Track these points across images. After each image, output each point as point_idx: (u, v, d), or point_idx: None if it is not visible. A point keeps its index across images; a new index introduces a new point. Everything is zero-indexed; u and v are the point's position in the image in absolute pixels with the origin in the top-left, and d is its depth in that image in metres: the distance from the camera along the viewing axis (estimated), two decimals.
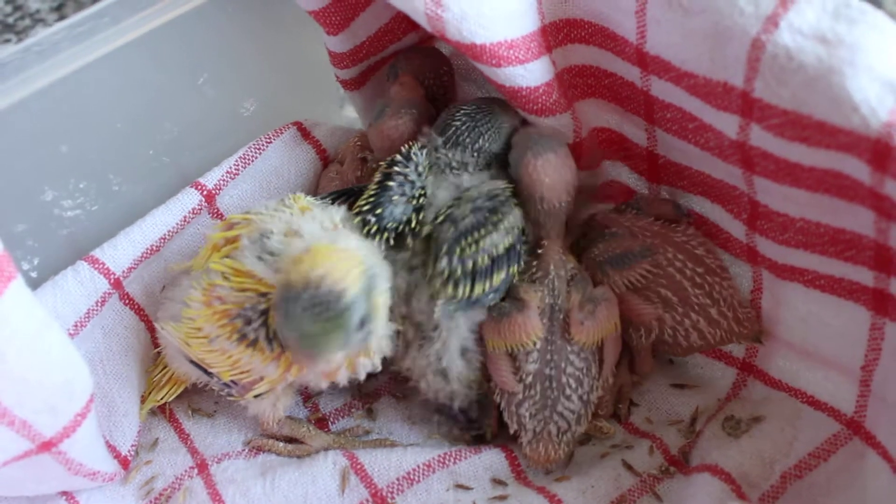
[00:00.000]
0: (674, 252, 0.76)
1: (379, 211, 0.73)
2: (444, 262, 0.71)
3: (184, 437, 0.80)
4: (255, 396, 0.73)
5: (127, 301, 0.82)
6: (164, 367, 0.79)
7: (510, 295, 0.75)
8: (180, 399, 0.82)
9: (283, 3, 0.87)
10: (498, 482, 0.75)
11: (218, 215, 0.86)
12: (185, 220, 0.85)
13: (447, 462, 0.75)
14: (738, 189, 0.72)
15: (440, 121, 0.78)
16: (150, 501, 0.76)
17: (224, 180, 0.87)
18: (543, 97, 0.74)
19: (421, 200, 0.75)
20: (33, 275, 0.81)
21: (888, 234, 0.61)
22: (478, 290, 0.72)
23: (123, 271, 0.82)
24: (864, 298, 0.68)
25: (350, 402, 0.83)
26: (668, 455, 0.75)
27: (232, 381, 0.71)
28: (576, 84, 0.79)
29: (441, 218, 0.73)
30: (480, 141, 0.76)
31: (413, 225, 0.74)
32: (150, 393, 0.80)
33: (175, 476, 0.77)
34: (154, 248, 0.84)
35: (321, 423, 0.81)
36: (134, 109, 0.82)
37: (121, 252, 0.83)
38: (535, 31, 0.72)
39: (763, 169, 0.66)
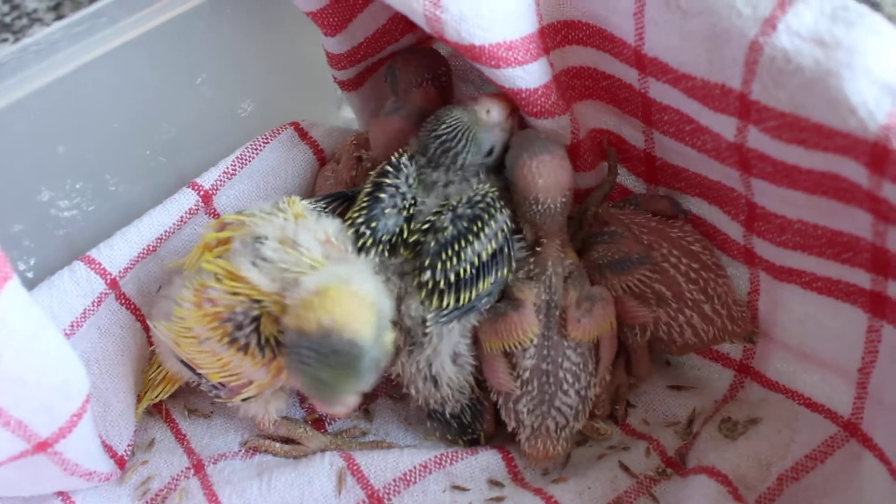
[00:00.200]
0: (669, 248, 0.76)
1: (374, 225, 0.73)
2: (427, 275, 0.72)
3: (180, 437, 0.80)
4: (244, 400, 0.73)
5: (123, 301, 0.82)
6: (159, 366, 0.79)
7: (505, 295, 0.75)
8: (177, 399, 0.82)
9: (280, 3, 0.86)
10: (494, 483, 0.75)
11: (215, 216, 0.86)
12: (181, 221, 0.85)
13: (444, 463, 0.75)
14: (736, 191, 0.72)
15: (421, 140, 0.77)
16: (147, 502, 0.76)
17: (221, 180, 0.87)
18: (542, 99, 0.74)
19: (411, 210, 0.75)
20: (30, 275, 0.81)
21: (885, 236, 0.62)
22: (463, 299, 0.72)
23: (120, 271, 0.82)
24: (861, 301, 0.68)
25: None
26: (664, 457, 0.75)
27: (220, 384, 0.71)
28: (574, 86, 0.79)
29: (425, 227, 0.73)
30: (459, 160, 0.75)
31: (405, 235, 0.74)
32: (145, 392, 0.80)
33: (171, 476, 0.77)
34: (151, 248, 0.84)
35: (318, 423, 0.81)
36: (131, 109, 0.82)
37: (117, 252, 0.82)
38: (534, 33, 0.72)
39: (760, 171, 0.66)
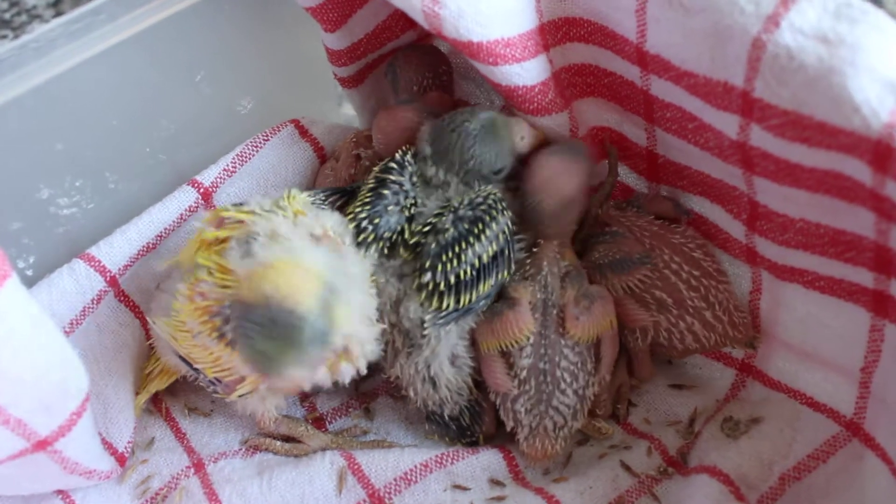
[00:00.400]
0: (670, 254, 0.76)
1: (376, 221, 0.73)
2: (427, 277, 0.71)
3: (180, 436, 0.80)
4: (241, 396, 0.72)
5: (122, 298, 0.81)
6: (158, 360, 0.79)
7: (501, 295, 0.75)
8: (177, 398, 0.82)
9: (280, 0, 0.86)
10: (496, 483, 0.75)
11: None
12: (181, 218, 0.85)
13: (444, 462, 0.75)
14: (738, 189, 0.72)
15: (438, 128, 0.76)
16: (146, 501, 0.76)
17: (221, 178, 0.87)
18: (539, 96, 0.74)
19: (412, 210, 0.74)
20: (29, 273, 0.81)
21: (888, 235, 0.61)
22: (463, 301, 0.72)
23: (119, 269, 0.82)
24: (863, 300, 0.67)
25: (348, 401, 0.83)
26: (666, 456, 0.75)
27: (216, 379, 0.71)
28: (575, 83, 0.78)
29: (426, 228, 0.73)
30: (470, 163, 0.74)
31: (406, 235, 0.74)
32: (144, 387, 0.80)
33: (171, 475, 0.77)
34: (150, 245, 0.83)
35: (318, 422, 0.81)
36: (130, 107, 0.82)
37: (117, 250, 0.82)
38: (533, 30, 0.72)
39: (763, 169, 0.66)
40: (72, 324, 0.80)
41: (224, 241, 0.70)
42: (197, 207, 0.85)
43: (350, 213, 0.74)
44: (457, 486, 0.74)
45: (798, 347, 0.74)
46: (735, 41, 0.60)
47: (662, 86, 0.70)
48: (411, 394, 0.76)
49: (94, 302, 0.81)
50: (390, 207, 0.74)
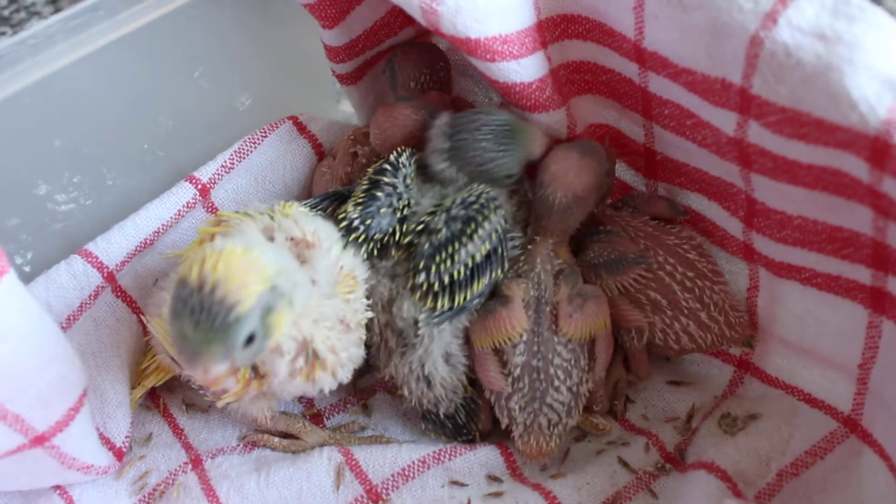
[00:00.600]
0: (664, 255, 0.76)
1: (368, 222, 0.73)
2: (421, 277, 0.71)
3: (178, 432, 0.80)
4: (227, 403, 0.72)
5: (119, 294, 0.81)
6: (154, 356, 0.79)
7: (495, 292, 0.75)
8: (174, 394, 0.82)
9: None
10: (493, 479, 0.75)
11: (213, 209, 0.86)
12: (179, 214, 0.85)
13: (442, 458, 0.75)
14: (736, 186, 0.72)
15: (455, 122, 0.75)
16: (144, 496, 0.76)
17: (219, 174, 0.87)
18: (537, 93, 0.74)
19: (405, 212, 0.74)
20: (27, 269, 0.81)
21: (886, 232, 0.61)
22: (458, 300, 0.72)
23: (117, 265, 0.82)
24: (861, 296, 0.67)
25: (345, 397, 0.83)
26: (664, 452, 0.75)
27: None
28: (573, 80, 0.78)
29: (419, 227, 0.73)
30: (487, 165, 0.74)
31: (398, 237, 0.74)
32: (140, 382, 0.80)
33: (169, 471, 0.77)
34: (148, 241, 0.83)
35: (316, 418, 0.81)
36: (128, 103, 0.82)
37: (114, 246, 0.82)
38: (531, 27, 0.72)
39: (761, 166, 0.66)
40: (69, 320, 0.80)
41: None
42: (195, 204, 0.85)
43: (342, 213, 0.74)
44: (454, 483, 0.74)
45: (796, 344, 0.75)
46: (733, 38, 0.60)
47: (660, 83, 0.70)
48: (406, 393, 0.76)
49: (92, 298, 0.81)
50: (383, 209, 0.74)
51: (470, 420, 0.77)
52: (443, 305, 0.71)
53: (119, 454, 0.77)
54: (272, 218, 0.68)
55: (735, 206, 0.74)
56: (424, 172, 0.76)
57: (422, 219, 0.74)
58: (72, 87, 0.77)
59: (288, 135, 0.90)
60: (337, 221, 0.73)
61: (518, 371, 0.73)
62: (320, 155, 0.90)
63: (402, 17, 0.84)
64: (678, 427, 0.77)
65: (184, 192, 0.85)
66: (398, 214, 0.74)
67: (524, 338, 0.73)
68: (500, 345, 0.73)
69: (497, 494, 0.73)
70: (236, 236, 0.63)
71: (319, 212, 0.75)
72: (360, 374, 0.72)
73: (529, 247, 0.76)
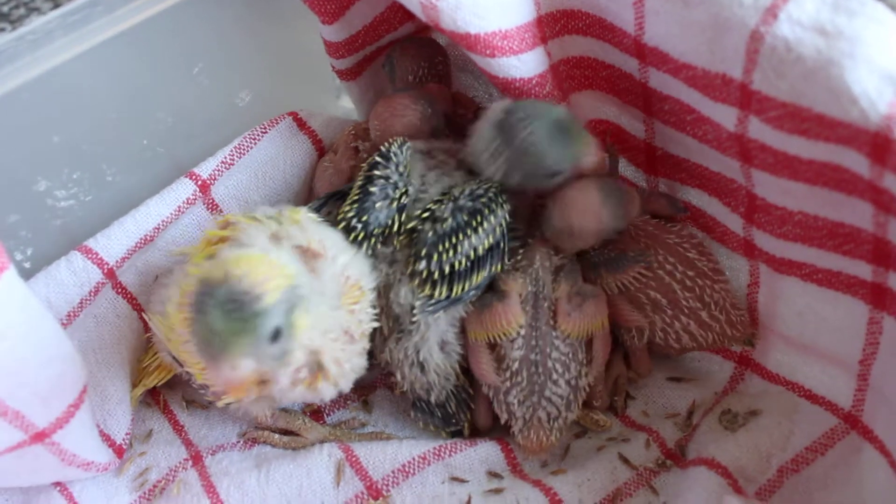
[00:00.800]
0: (665, 255, 0.76)
1: (365, 218, 0.73)
2: (422, 264, 0.71)
3: (178, 428, 0.80)
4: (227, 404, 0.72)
5: (120, 290, 0.81)
6: (155, 354, 0.79)
7: (492, 286, 0.75)
8: (174, 390, 0.82)
9: None
10: (493, 475, 0.75)
11: (212, 206, 0.86)
12: (179, 210, 0.85)
13: (442, 454, 0.75)
14: (736, 182, 0.72)
15: (507, 111, 0.72)
16: (144, 493, 0.76)
17: (219, 170, 0.87)
18: (536, 88, 0.74)
19: (403, 199, 0.74)
20: (27, 265, 0.81)
21: (887, 227, 0.61)
22: (456, 290, 0.72)
23: (117, 261, 0.82)
24: (862, 292, 0.67)
25: (346, 394, 0.82)
26: (664, 448, 0.75)
27: (205, 384, 0.71)
28: (573, 76, 0.78)
29: (424, 214, 0.73)
30: (530, 159, 0.72)
31: (397, 226, 0.73)
32: (140, 379, 0.79)
33: (169, 468, 0.77)
34: (148, 237, 0.83)
35: (316, 415, 0.81)
36: (128, 99, 0.82)
37: (114, 242, 0.82)
38: (531, 22, 0.72)
39: (761, 162, 0.65)
40: (69, 316, 0.80)
41: (225, 240, 0.70)
42: (195, 200, 0.85)
43: (340, 214, 0.74)
44: (455, 479, 0.74)
45: (796, 340, 0.74)
46: (733, 33, 0.60)
47: (661, 78, 0.70)
48: (399, 378, 0.75)
49: (92, 294, 0.81)
50: (378, 203, 0.73)
51: (460, 409, 0.77)
52: (440, 294, 0.71)
53: (119, 451, 0.77)
54: (280, 223, 0.68)
55: (736, 201, 0.74)
56: (427, 160, 0.76)
57: (427, 205, 0.74)
58: (71, 84, 0.77)
59: (288, 131, 0.90)
60: (337, 223, 0.73)
61: (516, 365, 0.73)
62: (320, 151, 0.90)
63: (401, 13, 0.84)
64: (679, 423, 0.76)
65: (184, 189, 0.85)
66: (395, 204, 0.74)
67: (522, 332, 0.73)
68: (496, 339, 0.73)
69: (497, 491, 0.73)
70: (247, 245, 0.63)
71: (325, 217, 0.75)
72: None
73: (530, 241, 0.75)
